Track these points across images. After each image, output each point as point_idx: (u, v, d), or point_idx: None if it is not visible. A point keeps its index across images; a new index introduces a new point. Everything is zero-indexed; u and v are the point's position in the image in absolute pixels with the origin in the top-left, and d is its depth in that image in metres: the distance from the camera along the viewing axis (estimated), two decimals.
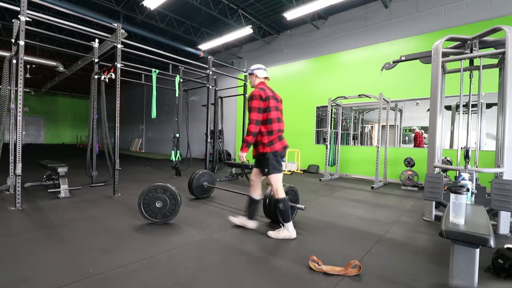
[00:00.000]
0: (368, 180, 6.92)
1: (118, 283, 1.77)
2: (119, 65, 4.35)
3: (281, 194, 2.67)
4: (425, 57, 3.85)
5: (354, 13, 7.87)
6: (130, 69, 5.50)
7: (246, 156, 2.73)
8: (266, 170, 2.64)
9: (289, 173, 7.99)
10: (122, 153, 13.52)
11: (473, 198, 3.00)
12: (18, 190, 3.37)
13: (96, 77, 4.90)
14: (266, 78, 2.87)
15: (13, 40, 4.09)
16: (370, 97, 6.27)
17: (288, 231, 2.65)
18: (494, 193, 2.67)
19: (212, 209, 3.72)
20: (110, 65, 4.59)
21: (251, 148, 2.79)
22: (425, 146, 6.88)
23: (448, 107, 6.15)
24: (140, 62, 12.73)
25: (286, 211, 2.65)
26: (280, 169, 2.69)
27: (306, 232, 2.89)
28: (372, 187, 5.80)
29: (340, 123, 7.54)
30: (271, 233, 2.69)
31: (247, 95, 6.96)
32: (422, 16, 6.67)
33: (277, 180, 2.68)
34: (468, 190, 2.10)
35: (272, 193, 2.99)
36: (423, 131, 7.13)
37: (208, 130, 6.38)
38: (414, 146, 7.03)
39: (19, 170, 3.31)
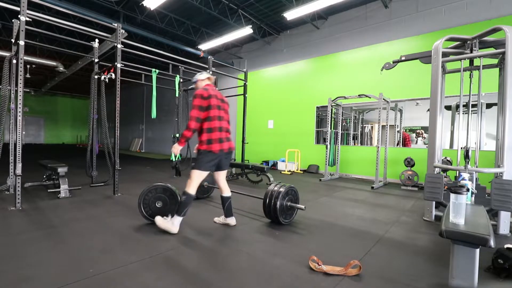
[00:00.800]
0: (368, 180, 6.92)
1: (118, 283, 1.77)
2: (119, 65, 4.35)
3: (191, 190, 2.66)
4: (425, 57, 3.85)
5: (354, 13, 7.87)
6: (130, 69, 5.50)
7: (180, 151, 2.83)
8: (193, 164, 2.73)
9: (289, 173, 7.99)
10: (122, 153, 13.52)
11: (473, 198, 3.00)
12: (18, 190, 3.37)
13: (96, 77, 4.90)
14: (208, 78, 2.95)
15: (13, 40, 4.09)
16: (370, 97, 6.27)
17: (172, 224, 2.66)
18: (494, 193, 2.67)
19: (212, 209, 3.72)
20: (110, 65, 4.59)
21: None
22: (412, 145, 7.15)
23: (448, 107, 6.15)
24: (140, 62, 12.72)
25: (183, 205, 2.65)
26: (206, 169, 2.70)
27: (306, 232, 2.89)
28: (372, 187, 5.80)
29: (340, 123, 7.54)
30: (158, 219, 2.72)
31: (247, 96, 7.00)
32: (422, 16, 6.67)
33: (197, 176, 2.69)
34: (468, 190, 2.10)
35: (272, 192, 3.00)
36: (423, 131, 7.14)
37: None
38: (402, 146, 7.17)
39: (19, 170, 3.31)
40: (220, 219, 3.08)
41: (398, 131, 7.38)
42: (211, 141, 2.66)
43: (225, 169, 2.97)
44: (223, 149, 2.72)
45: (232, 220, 3.00)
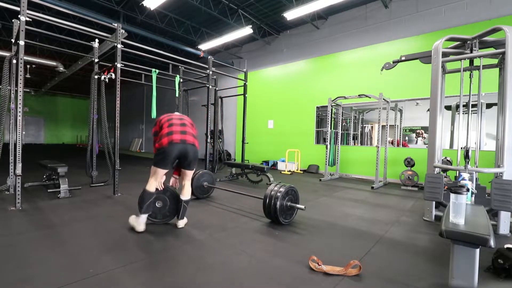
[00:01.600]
0: (368, 180, 6.92)
1: (118, 283, 1.77)
2: (119, 65, 4.35)
3: (148, 186, 2.73)
4: (425, 57, 3.85)
5: (354, 13, 7.87)
6: (130, 69, 5.50)
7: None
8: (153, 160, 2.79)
9: (289, 173, 7.99)
10: (122, 153, 13.52)
11: (473, 198, 3.00)
12: (18, 190, 3.37)
13: (96, 77, 4.90)
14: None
15: (13, 40, 4.09)
16: (370, 97, 6.26)
17: (136, 222, 2.70)
18: (494, 193, 2.67)
19: (212, 209, 3.72)
20: (110, 65, 4.59)
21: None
22: (412, 146, 7.13)
23: (448, 107, 6.14)
24: (140, 62, 12.73)
25: (140, 202, 2.70)
26: (162, 166, 2.72)
27: (306, 232, 2.89)
28: (372, 187, 5.80)
29: (340, 123, 7.54)
30: (131, 218, 2.79)
31: (247, 96, 7.00)
32: (422, 16, 6.67)
33: (154, 173, 2.75)
34: (468, 190, 2.10)
35: (272, 192, 3.00)
36: (423, 131, 7.13)
37: (208, 130, 6.38)
38: (402, 146, 7.18)
39: (19, 170, 3.31)
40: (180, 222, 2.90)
41: (390, 142, 7.28)
42: (161, 139, 2.72)
43: (188, 169, 2.89)
44: (173, 140, 2.67)
45: (180, 222, 2.89)
